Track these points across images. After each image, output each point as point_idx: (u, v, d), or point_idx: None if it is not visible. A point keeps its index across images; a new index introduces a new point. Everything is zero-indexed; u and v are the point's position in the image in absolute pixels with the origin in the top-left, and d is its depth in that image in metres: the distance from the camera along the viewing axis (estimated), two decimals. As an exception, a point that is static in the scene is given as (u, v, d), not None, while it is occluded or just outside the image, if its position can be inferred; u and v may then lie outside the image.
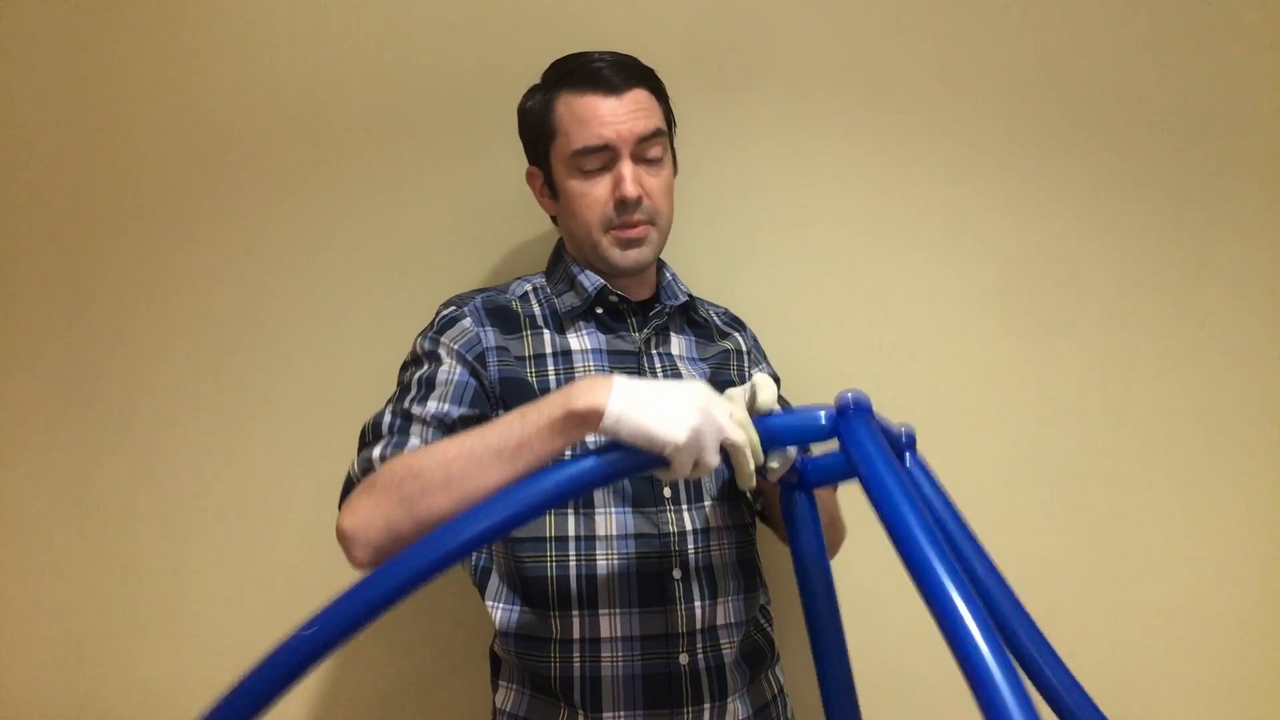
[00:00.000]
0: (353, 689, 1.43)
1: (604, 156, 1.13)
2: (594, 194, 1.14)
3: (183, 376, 1.44)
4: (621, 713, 1.05)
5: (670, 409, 0.84)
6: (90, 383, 1.45)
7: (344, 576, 1.43)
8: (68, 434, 1.45)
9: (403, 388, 1.09)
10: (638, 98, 1.14)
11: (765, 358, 1.33)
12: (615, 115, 1.12)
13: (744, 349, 1.27)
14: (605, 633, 1.06)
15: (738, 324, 1.32)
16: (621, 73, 1.14)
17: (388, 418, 1.05)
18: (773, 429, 0.88)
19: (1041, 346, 1.45)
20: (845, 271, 1.45)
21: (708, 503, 1.13)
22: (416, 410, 1.03)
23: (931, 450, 1.44)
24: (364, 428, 1.07)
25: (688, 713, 1.06)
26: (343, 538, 0.94)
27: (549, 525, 1.08)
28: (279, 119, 1.44)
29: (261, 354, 1.45)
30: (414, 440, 1.01)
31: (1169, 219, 1.46)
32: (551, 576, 1.08)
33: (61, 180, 1.45)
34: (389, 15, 1.43)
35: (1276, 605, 1.45)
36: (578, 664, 1.07)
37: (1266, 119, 1.45)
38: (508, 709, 1.11)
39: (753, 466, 0.88)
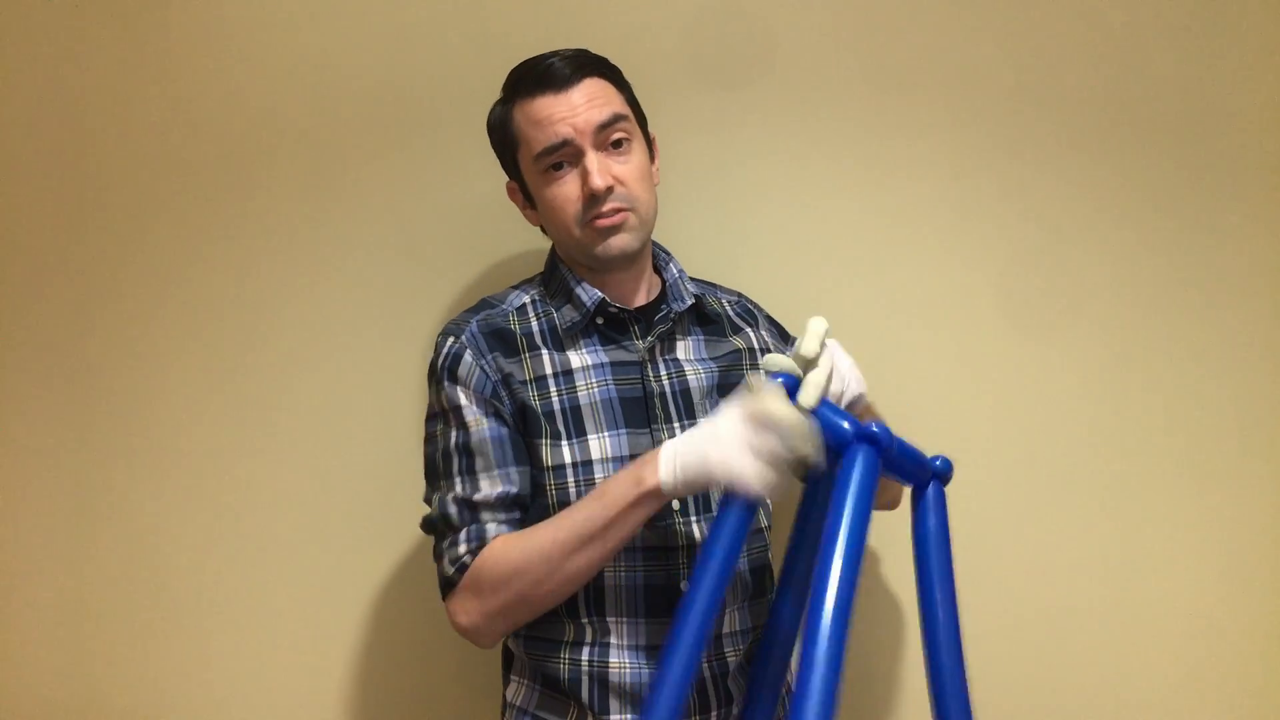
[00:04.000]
0: (364, 680, 1.43)
1: (567, 153, 1.10)
2: (565, 193, 1.11)
3: (183, 377, 1.44)
4: (629, 717, 1.06)
5: (719, 454, 0.93)
6: (92, 383, 1.44)
7: (343, 577, 1.44)
8: (69, 434, 1.44)
9: (444, 456, 1.11)
10: (590, 88, 1.10)
11: (786, 341, 1.29)
12: (570, 109, 1.09)
13: (756, 347, 1.23)
14: (614, 639, 1.07)
15: (750, 317, 1.27)
16: (568, 65, 1.11)
17: (453, 510, 1.08)
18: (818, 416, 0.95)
19: (1041, 345, 1.44)
20: (844, 270, 1.44)
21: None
22: (477, 496, 1.07)
23: (931, 449, 1.44)
24: (430, 519, 1.11)
25: None
26: (465, 634, 1.08)
27: None
28: (280, 123, 1.42)
29: (262, 355, 1.44)
30: (490, 528, 1.07)
31: (1170, 218, 1.45)
32: None
33: (65, 183, 1.44)
34: (385, 19, 1.42)
35: (1277, 605, 1.45)
36: (586, 667, 1.07)
37: (1267, 119, 1.44)
38: (518, 703, 1.13)
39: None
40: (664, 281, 1.21)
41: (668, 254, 1.24)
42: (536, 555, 1.01)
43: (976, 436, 1.44)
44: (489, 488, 1.07)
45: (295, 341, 1.43)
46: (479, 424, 1.09)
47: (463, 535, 1.06)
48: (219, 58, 1.43)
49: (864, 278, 1.44)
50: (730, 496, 0.94)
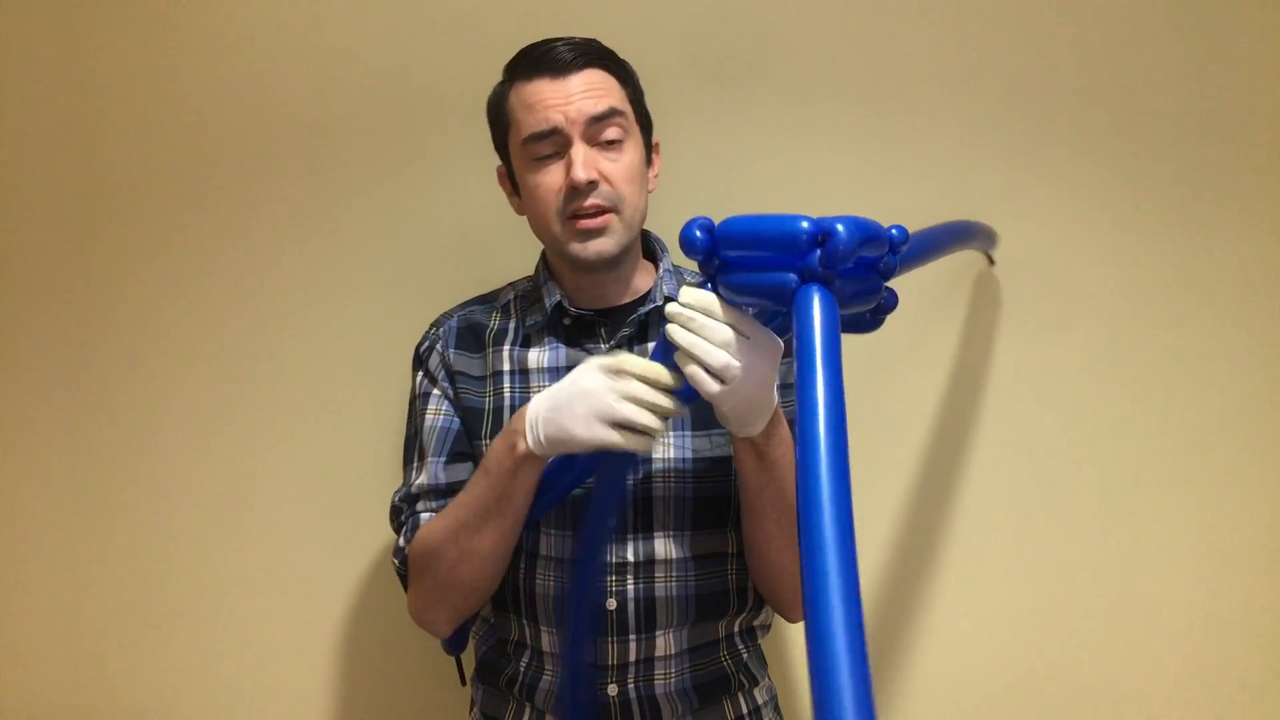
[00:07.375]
0: (364, 675, 1.47)
1: (555, 142, 1.06)
2: (546, 183, 1.06)
3: (183, 377, 1.47)
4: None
5: (575, 423, 0.91)
6: (89, 383, 1.47)
7: (342, 576, 1.44)
8: (67, 434, 1.48)
9: (406, 443, 1.16)
10: (590, 78, 1.06)
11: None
12: (564, 97, 1.05)
13: None
14: (545, 647, 1.09)
15: None
16: (572, 52, 1.06)
17: (399, 503, 1.13)
18: (734, 285, 0.83)
19: (1041, 346, 1.44)
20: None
21: (660, 534, 1.07)
22: (414, 487, 1.11)
23: (931, 449, 1.44)
24: (392, 503, 1.15)
25: None
26: (418, 624, 1.11)
27: None
28: (275, 118, 1.45)
29: (260, 355, 1.47)
30: (422, 516, 1.09)
31: (1170, 218, 1.42)
32: (506, 582, 1.10)
33: (66, 186, 1.47)
34: (388, 15, 1.44)
35: (1277, 605, 1.43)
36: (524, 668, 1.10)
37: (1267, 119, 1.40)
38: (475, 698, 1.18)
39: (666, 401, 0.90)
40: (658, 279, 1.16)
41: (663, 249, 1.19)
42: (446, 539, 1.03)
43: (976, 437, 1.44)
44: (421, 478, 1.11)
45: (295, 344, 1.47)
46: (427, 414, 1.12)
47: (405, 529, 1.10)
48: (224, 56, 1.46)
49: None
50: (606, 456, 0.94)
